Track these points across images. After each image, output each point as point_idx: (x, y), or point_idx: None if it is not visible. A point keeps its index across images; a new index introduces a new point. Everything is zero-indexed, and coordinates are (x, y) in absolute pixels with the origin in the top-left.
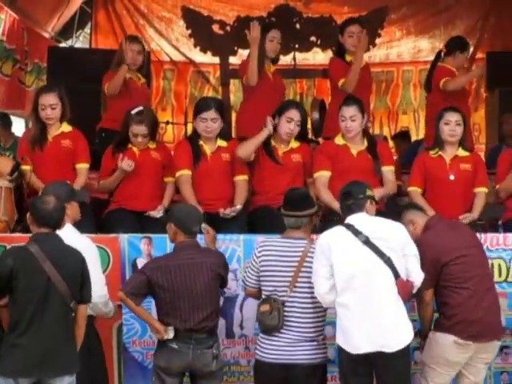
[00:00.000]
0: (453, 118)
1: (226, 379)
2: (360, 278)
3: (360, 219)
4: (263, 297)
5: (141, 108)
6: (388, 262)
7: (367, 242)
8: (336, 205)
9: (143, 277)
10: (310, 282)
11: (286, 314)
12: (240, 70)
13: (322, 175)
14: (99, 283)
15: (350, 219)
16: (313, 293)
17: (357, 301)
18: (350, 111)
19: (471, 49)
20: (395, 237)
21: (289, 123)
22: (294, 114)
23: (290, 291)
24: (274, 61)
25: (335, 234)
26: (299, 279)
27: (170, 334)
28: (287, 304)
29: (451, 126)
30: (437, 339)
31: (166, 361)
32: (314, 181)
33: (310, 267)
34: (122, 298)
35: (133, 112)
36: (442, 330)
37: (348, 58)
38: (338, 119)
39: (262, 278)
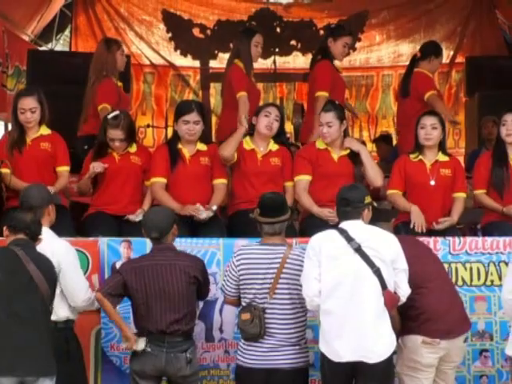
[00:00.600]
0: (428, 121)
1: (205, 383)
2: (346, 286)
3: (355, 226)
4: (243, 304)
5: (117, 112)
6: (377, 272)
7: (358, 249)
8: (315, 209)
9: (119, 277)
10: (290, 288)
11: (266, 320)
12: (231, 76)
13: (302, 179)
14: (82, 288)
15: (344, 224)
16: (293, 298)
17: (341, 308)
18: (327, 117)
19: (451, 53)
20: (387, 249)
21: (267, 117)
22: (271, 109)
23: (270, 297)
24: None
25: (327, 238)
26: (279, 285)
27: (140, 345)
28: (268, 310)
29: (427, 129)
30: (406, 343)
31: (139, 364)
32: (292, 184)
33: (290, 273)
34: (100, 298)
35: (109, 116)
36: (409, 332)
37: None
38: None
39: (241, 286)
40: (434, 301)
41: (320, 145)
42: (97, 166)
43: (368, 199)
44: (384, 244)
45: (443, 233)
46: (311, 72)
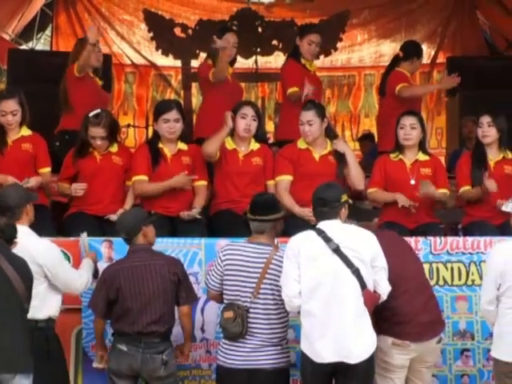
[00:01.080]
0: (407, 121)
1: (187, 383)
2: (326, 287)
3: (332, 226)
4: (225, 302)
5: (98, 110)
6: (356, 272)
7: (337, 250)
8: (297, 209)
9: (105, 295)
10: (274, 289)
11: (249, 320)
12: (201, 71)
13: (284, 179)
14: (75, 278)
15: (322, 224)
16: (276, 299)
17: (321, 309)
18: (307, 116)
19: (432, 53)
20: (366, 248)
21: (244, 119)
22: (247, 109)
23: (254, 298)
24: (231, 63)
25: (306, 239)
26: (263, 285)
27: (100, 365)
28: (251, 310)
29: (406, 129)
30: (377, 343)
31: (115, 363)
32: (274, 183)
33: (274, 274)
34: (95, 319)
35: (90, 114)
36: (381, 332)
37: (303, 61)
38: (293, 118)
39: (225, 283)
40: (407, 303)
41: (301, 145)
42: (79, 191)
43: (344, 197)
44: (362, 243)
45: (425, 233)
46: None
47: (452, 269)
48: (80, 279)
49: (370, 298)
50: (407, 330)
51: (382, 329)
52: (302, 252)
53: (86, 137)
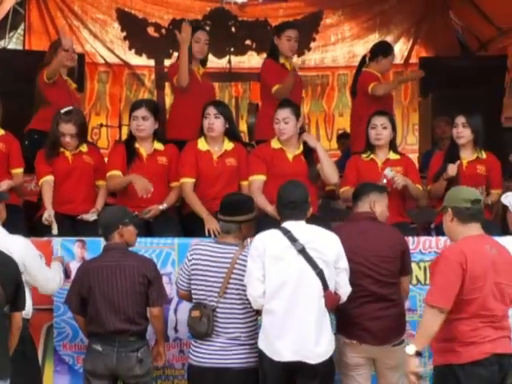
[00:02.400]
0: (378, 121)
1: (160, 383)
2: (290, 287)
3: (298, 226)
4: (194, 301)
5: (70, 108)
6: (320, 274)
7: (302, 251)
8: (270, 209)
9: (78, 294)
10: (240, 289)
11: (216, 319)
12: (169, 72)
13: (257, 179)
14: (51, 276)
15: (288, 224)
16: (242, 299)
17: (284, 309)
18: (283, 113)
19: (405, 53)
20: (330, 249)
21: (206, 119)
22: (209, 109)
23: (220, 297)
24: (203, 63)
25: (271, 238)
26: (229, 285)
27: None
28: (218, 310)
29: (377, 129)
30: (336, 341)
31: (91, 363)
32: (248, 183)
33: (240, 274)
34: (74, 316)
35: (62, 111)
36: (338, 330)
37: (282, 60)
38: (273, 121)
39: (192, 282)
40: (352, 311)
41: (275, 144)
42: (49, 220)
43: (309, 197)
44: (326, 244)
45: None
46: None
47: (425, 268)
48: (55, 279)
49: (331, 299)
50: (357, 333)
51: (337, 328)
52: (267, 251)
53: (56, 133)
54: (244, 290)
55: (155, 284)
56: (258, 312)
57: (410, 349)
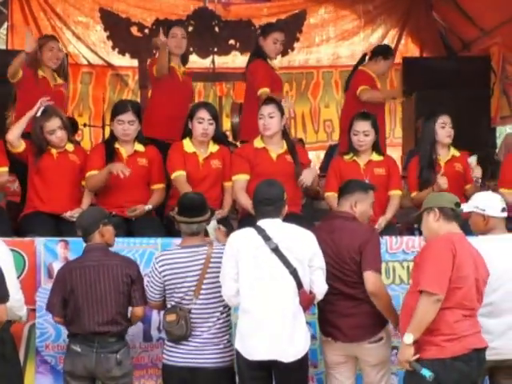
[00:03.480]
0: (360, 128)
1: (143, 382)
2: (263, 286)
3: (273, 225)
4: (168, 306)
5: (44, 107)
6: (293, 273)
7: (276, 249)
8: (252, 208)
9: (60, 295)
10: (214, 287)
11: (192, 320)
12: (149, 66)
13: (240, 179)
14: (15, 287)
15: (262, 223)
16: (218, 297)
17: (258, 308)
18: (268, 109)
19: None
20: (305, 248)
21: (201, 124)
22: (203, 113)
23: (196, 298)
24: (184, 61)
25: (245, 237)
26: (204, 285)
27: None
28: (193, 311)
29: (359, 136)
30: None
31: (70, 364)
32: (231, 184)
33: (214, 272)
34: (59, 321)
35: (38, 114)
36: (320, 328)
37: (268, 60)
38: (257, 118)
39: (167, 290)
40: (324, 309)
41: (258, 144)
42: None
43: (285, 194)
44: (301, 243)
45: (381, 232)
46: (246, 73)
47: (408, 268)
48: (17, 294)
49: (305, 298)
50: (329, 330)
51: (319, 326)
52: (241, 250)
53: (41, 137)
54: (218, 288)
55: (138, 284)
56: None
57: (408, 338)
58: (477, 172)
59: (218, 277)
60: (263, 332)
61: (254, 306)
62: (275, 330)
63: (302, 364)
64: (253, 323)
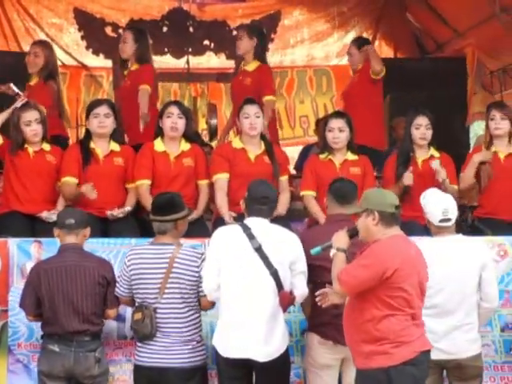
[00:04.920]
0: (335, 124)
1: (117, 377)
2: (244, 285)
3: (260, 224)
4: (136, 304)
5: (25, 100)
6: (274, 274)
7: (258, 249)
8: (223, 210)
9: (33, 295)
10: (181, 287)
11: (158, 319)
12: None
13: (220, 177)
14: None
15: (249, 221)
16: (184, 297)
17: (238, 306)
18: (253, 109)
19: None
20: (288, 251)
21: (170, 118)
22: (172, 109)
23: (161, 297)
24: (140, 60)
25: (230, 234)
26: (168, 284)
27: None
28: (159, 310)
29: (334, 133)
30: (307, 340)
31: (47, 364)
32: (206, 183)
33: (179, 272)
34: (34, 320)
35: (18, 106)
36: (310, 329)
37: None
38: (241, 118)
39: (133, 286)
40: (323, 309)
41: (236, 144)
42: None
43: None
44: (284, 245)
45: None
46: (255, 73)
47: None
48: None
49: (285, 299)
50: (327, 330)
51: (311, 326)
52: (225, 247)
53: (18, 128)
54: (185, 288)
55: (112, 285)
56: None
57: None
58: (443, 175)
59: (184, 277)
60: (240, 330)
61: (234, 304)
62: (252, 329)
63: (280, 364)
64: (231, 321)
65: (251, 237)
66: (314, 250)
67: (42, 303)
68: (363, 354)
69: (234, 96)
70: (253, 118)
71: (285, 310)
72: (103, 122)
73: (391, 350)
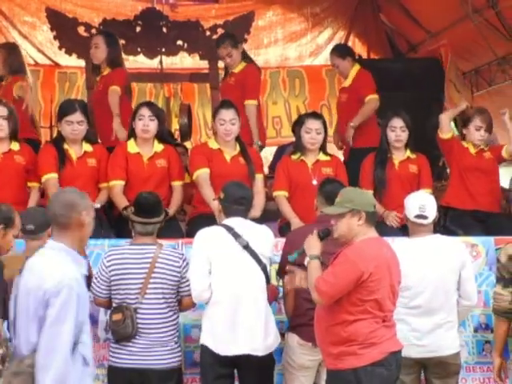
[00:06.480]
0: (313, 126)
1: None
2: (237, 282)
3: (240, 223)
4: (114, 305)
5: None
6: (264, 269)
7: (247, 247)
8: (215, 204)
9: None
10: (163, 288)
11: (139, 320)
12: None
13: (203, 172)
14: None
15: (229, 221)
16: (165, 297)
17: (231, 304)
18: (230, 114)
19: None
20: (268, 245)
21: (141, 120)
22: (143, 110)
23: (142, 297)
24: (113, 63)
25: (215, 234)
26: (150, 285)
27: None
28: (140, 311)
29: (312, 134)
30: (287, 339)
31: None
32: (180, 184)
33: (161, 272)
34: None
35: None
36: (290, 329)
37: None
38: (216, 122)
39: (113, 287)
40: (304, 310)
41: (212, 145)
42: None
43: None
44: (266, 242)
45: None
46: (241, 75)
47: None
48: None
49: (273, 292)
50: (310, 334)
51: (291, 327)
52: (213, 247)
53: None
54: (167, 289)
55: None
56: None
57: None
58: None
59: (166, 278)
60: (236, 328)
61: (228, 302)
62: (250, 325)
63: (271, 358)
64: (225, 319)
65: (237, 236)
66: (292, 257)
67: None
68: (332, 355)
69: (222, 97)
70: (228, 125)
71: (271, 302)
72: (76, 129)
73: (360, 351)
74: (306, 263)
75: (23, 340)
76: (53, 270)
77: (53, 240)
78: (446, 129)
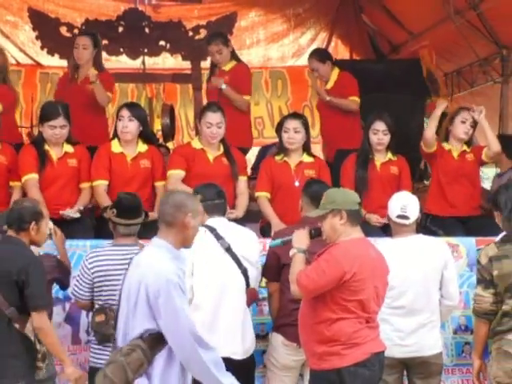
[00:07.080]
0: (291, 125)
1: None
2: (217, 285)
3: (222, 224)
4: (96, 306)
5: None
6: (244, 272)
7: (229, 249)
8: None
9: None
10: None
11: None
12: None
13: (176, 173)
14: None
15: (211, 222)
16: None
17: (211, 306)
18: (216, 118)
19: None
20: (252, 248)
21: (120, 121)
22: (123, 111)
23: None
24: (99, 66)
25: (197, 236)
26: None
27: None
28: None
29: (290, 133)
30: (271, 339)
31: None
32: (163, 184)
33: None
34: None
35: None
36: (275, 330)
37: None
38: (202, 124)
39: (96, 289)
40: (289, 310)
41: (196, 145)
42: None
43: None
44: (250, 245)
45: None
46: (233, 72)
47: None
48: None
49: (252, 296)
50: (295, 334)
51: (276, 327)
52: (195, 249)
53: None
54: None
55: (63, 279)
56: None
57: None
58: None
59: None
60: (216, 330)
61: (208, 304)
62: (229, 328)
63: (250, 361)
64: (207, 321)
65: (219, 237)
66: (274, 242)
67: None
68: (316, 354)
69: (208, 96)
70: (214, 128)
71: (249, 305)
72: (58, 133)
73: (343, 352)
74: (290, 254)
75: (121, 332)
76: (153, 265)
77: (157, 237)
78: (430, 142)
